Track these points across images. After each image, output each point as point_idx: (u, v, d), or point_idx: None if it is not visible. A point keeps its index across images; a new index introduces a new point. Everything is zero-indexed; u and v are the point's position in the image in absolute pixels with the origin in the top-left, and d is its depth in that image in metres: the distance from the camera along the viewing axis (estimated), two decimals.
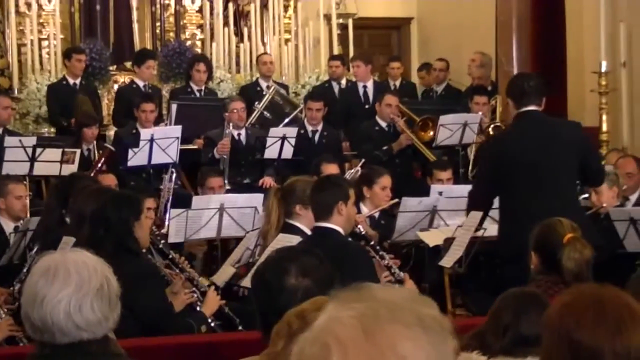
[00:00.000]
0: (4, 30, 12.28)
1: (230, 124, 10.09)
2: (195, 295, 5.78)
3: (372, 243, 6.17)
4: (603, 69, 11.05)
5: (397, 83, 12.87)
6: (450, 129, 10.25)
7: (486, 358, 3.49)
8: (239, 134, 10.24)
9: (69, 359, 2.81)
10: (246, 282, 5.95)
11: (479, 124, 10.41)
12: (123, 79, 12.55)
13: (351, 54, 13.17)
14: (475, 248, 7.05)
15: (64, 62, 11.67)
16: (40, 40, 12.32)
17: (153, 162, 9.56)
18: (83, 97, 11.05)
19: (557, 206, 5.77)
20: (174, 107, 10.93)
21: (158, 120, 10.72)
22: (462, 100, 11.69)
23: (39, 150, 9.15)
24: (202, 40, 13.23)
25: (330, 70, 12.36)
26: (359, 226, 6.12)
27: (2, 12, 12.29)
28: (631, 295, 2.43)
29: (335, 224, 5.38)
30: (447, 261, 6.98)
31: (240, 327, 5.78)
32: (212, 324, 5.65)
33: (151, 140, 9.51)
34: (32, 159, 9.11)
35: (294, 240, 5.45)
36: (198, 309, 5.70)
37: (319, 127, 10.57)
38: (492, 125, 10.30)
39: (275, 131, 10.26)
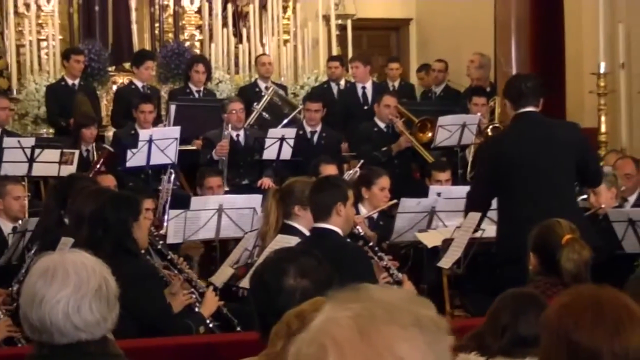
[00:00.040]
0: (3, 31, 12.27)
1: (229, 125, 10.09)
2: (194, 296, 5.78)
3: (370, 244, 6.17)
4: (602, 70, 11.06)
5: (396, 84, 12.87)
6: (449, 129, 10.25)
7: (485, 359, 3.49)
8: (237, 135, 10.24)
9: None
10: (245, 282, 5.95)
11: (477, 125, 10.42)
12: (122, 79, 12.54)
13: (350, 54, 13.17)
14: (473, 249, 7.05)
15: (63, 63, 11.67)
16: (39, 41, 12.31)
17: (152, 162, 9.56)
18: (82, 97, 11.06)
19: (555, 207, 5.77)
20: (172, 107, 10.93)
21: (157, 121, 10.72)
22: (461, 101, 11.70)
23: (37, 151, 9.15)
24: (201, 41, 13.23)
25: (329, 71, 12.36)
26: (358, 227, 6.13)
27: (1, 13, 12.28)
28: (630, 296, 2.43)
29: (333, 225, 5.38)
30: (446, 262, 6.98)
31: (238, 328, 5.78)
32: (211, 325, 5.65)
33: (150, 141, 9.51)
34: (31, 160, 9.11)
35: (292, 241, 5.45)
36: (196, 309, 5.70)
37: (318, 128, 10.57)
38: (490, 126, 10.31)
39: (274, 132, 10.27)
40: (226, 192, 9.02)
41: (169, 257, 5.99)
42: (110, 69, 12.60)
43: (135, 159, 9.54)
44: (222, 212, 7.76)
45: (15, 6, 12.25)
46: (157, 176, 9.46)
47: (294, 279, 3.21)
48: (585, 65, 11.97)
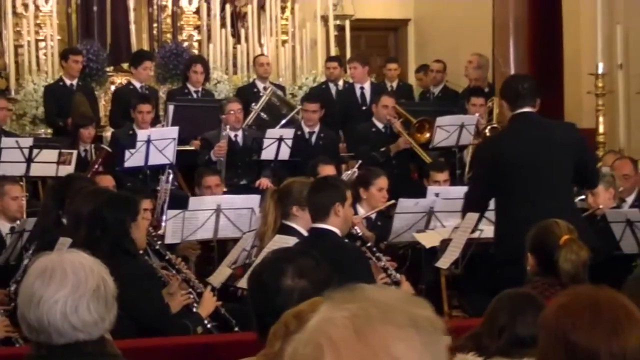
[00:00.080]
0: (1, 31, 12.27)
1: (227, 126, 10.09)
2: (192, 297, 5.78)
3: (368, 244, 6.18)
4: (600, 71, 11.06)
5: (394, 84, 12.87)
6: (447, 130, 10.25)
7: (482, 359, 3.49)
8: (235, 135, 10.24)
9: None
10: (242, 283, 5.95)
11: (475, 126, 10.42)
12: (120, 80, 12.54)
13: (348, 55, 13.18)
14: (471, 249, 7.06)
15: (61, 63, 11.67)
16: (37, 41, 12.31)
17: (150, 163, 9.56)
18: (80, 96, 11.06)
19: (553, 208, 5.77)
20: (170, 108, 10.93)
21: (155, 122, 10.72)
22: (459, 102, 11.71)
23: (35, 151, 9.15)
24: (199, 42, 13.22)
25: (328, 71, 12.36)
26: (356, 227, 6.14)
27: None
28: (627, 296, 2.43)
29: (332, 225, 5.38)
30: (444, 262, 6.98)
31: (236, 329, 5.78)
32: (208, 325, 5.65)
33: (148, 142, 9.50)
34: (29, 160, 9.11)
35: (290, 241, 5.45)
36: (194, 310, 5.70)
37: (316, 129, 10.58)
38: (488, 127, 10.32)
39: (272, 132, 10.27)
40: (224, 193, 9.02)
41: (167, 257, 6.00)
42: (108, 69, 12.59)
43: (133, 159, 9.54)
44: (220, 213, 7.76)
45: (14, 6, 12.25)
46: (155, 176, 9.45)
47: (292, 280, 3.21)
48: (583, 65, 11.97)
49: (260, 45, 13.19)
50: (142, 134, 9.65)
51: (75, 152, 9.43)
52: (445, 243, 7.11)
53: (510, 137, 6.48)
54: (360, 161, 9.83)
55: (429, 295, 6.78)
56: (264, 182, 9.86)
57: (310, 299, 2.90)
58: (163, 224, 7.99)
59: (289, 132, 10.26)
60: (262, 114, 11.27)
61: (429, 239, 7.65)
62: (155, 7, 13.01)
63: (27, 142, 9.37)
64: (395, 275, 6.06)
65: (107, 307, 2.82)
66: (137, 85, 11.45)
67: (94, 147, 10.17)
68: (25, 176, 9.12)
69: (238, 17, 13.40)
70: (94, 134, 10.31)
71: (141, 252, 5.61)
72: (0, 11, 12.25)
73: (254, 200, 7.84)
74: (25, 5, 12.31)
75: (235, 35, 13.26)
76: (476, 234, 6.92)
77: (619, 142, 11.45)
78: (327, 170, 8.49)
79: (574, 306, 2.38)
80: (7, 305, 5.91)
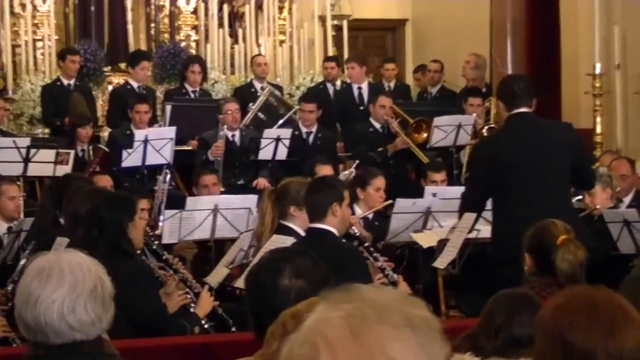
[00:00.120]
0: None
1: (225, 126, 10.09)
2: (189, 297, 5.78)
3: (366, 244, 6.18)
4: (597, 71, 11.07)
5: (392, 84, 12.88)
6: (445, 130, 10.26)
7: (479, 359, 3.49)
8: (233, 135, 10.24)
9: None
10: (240, 283, 5.95)
11: (473, 126, 10.42)
12: (117, 80, 12.53)
13: (346, 55, 13.17)
14: (469, 249, 7.06)
15: (59, 63, 11.67)
16: (34, 41, 12.31)
17: (147, 163, 9.56)
18: (78, 96, 11.06)
19: (550, 208, 5.77)
20: (168, 108, 10.93)
21: (152, 122, 10.72)
22: (457, 102, 11.71)
23: (33, 151, 9.14)
24: (197, 42, 13.22)
25: (325, 71, 12.36)
26: (353, 227, 6.14)
27: None
28: (624, 297, 2.43)
29: (329, 225, 5.38)
30: (441, 262, 6.98)
31: (233, 329, 5.78)
32: (206, 325, 5.65)
33: (145, 141, 9.50)
34: (26, 160, 9.10)
35: (287, 241, 5.45)
36: (192, 310, 5.70)
37: (314, 129, 10.59)
38: (486, 127, 10.31)
39: (270, 132, 10.27)
40: (222, 193, 9.02)
41: (164, 257, 5.99)
42: (105, 69, 12.59)
43: (130, 159, 9.54)
44: (218, 213, 7.76)
45: (11, 6, 12.25)
46: (153, 176, 9.45)
47: (289, 279, 3.21)
48: (581, 66, 11.98)
49: (258, 45, 13.19)
50: (139, 134, 9.65)
51: (72, 152, 9.42)
52: (443, 243, 7.11)
53: (507, 137, 6.48)
54: (357, 161, 9.82)
55: (426, 295, 6.80)
56: (262, 182, 9.86)
57: (307, 299, 2.90)
58: (160, 224, 7.98)
59: (286, 132, 10.26)
60: (259, 114, 11.27)
61: (426, 239, 7.65)
62: (152, 7, 13.01)
63: (25, 142, 9.35)
64: (392, 275, 6.06)
65: (104, 307, 2.82)
66: (135, 85, 11.45)
67: (92, 147, 10.16)
68: (23, 176, 9.12)
69: (236, 17, 13.40)
70: (91, 133, 10.31)
71: (138, 252, 5.61)
72: None
73: (251, 200, 7.84)
74: (23, 5, 12.31)
75: (233, 35, 13.25)
76: (473, 234, 6.92)
77: (616, 143, 11.46)
78: (325, 170, 8.48)
79: (571, 306, 2.38)
80: (5, 305, 5.90)
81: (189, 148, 10.53)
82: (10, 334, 5.42)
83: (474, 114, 10.67)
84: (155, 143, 9.52)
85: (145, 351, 4.66)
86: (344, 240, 5.65)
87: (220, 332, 5.69)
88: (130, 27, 12.86)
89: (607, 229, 7.34)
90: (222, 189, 9.28)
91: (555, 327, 2.36)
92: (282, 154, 10.06)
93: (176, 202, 8.30)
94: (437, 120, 10.29)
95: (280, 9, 13.51)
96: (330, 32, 13.73)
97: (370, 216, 8.20)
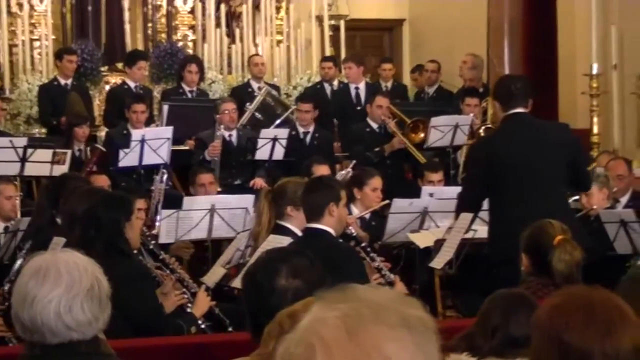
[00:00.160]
0: None
1: (222, 125, 10.09)
2: (186, 296, 5.77)
3: (362, 244, 6.18)
4: (594, 72, 11.07)
5: (389, 84, 12.88)
6: (442, 130, 10.26)
7: (476, 359, 3.49)
8: (230, 135, 10.24)
9: None
10: (236, 283, 5.95)
11: (470, 126, 10.43)
12: (114, 79, 12.52)
13: (343, 55, 13.17)
14: (465, 250, 7.06)
15: (56, 63, 11.66)
16: (31, 40, 12.29)
17: (144, 162, 9.55)
18: (75, 95, 11.05)
19: (547, 208, 5.77)
20: (165, 108, 10.93)
21: (149, 121, 10.72)
22: (454, 102, 11.71)
23: (29, 150, 9.13)
24: (194, 41, 13.22)
25: (322, 71, 12.36)
26: (350, 227, 6.14)
27: None
28: (621, 297, 2.43)
29: (326, 225, 5.39)
30: (438, 262, 6.98)
31: (230, 328, 5.78)
32: (202, 325, 5.65)
33: (142, 141, 9.50)
34: (23, 160, 9.09)
35: (284, 241, 5.45)
36: (188, 310, 5.70)
37: (311, 129, 10.59)
38: (483, 127, 10.32)
39: (267, 132, 10.27)
40: (218, 192, 9.02)
41: (161, 257, 5.99)
42: (102, 68, 12.58)
43: (127, 159, 9.53)
44: (215, 212, 7.76)
45: (8, 6, 12.24)
46: (150, 176, 9.45)
47: (286, 279, 3.21)
48: (578, 66, 11.99)
49: (255, 45, 13.19)
50: (136, 134, 9.65)
51: (69, 151, 9.41)
52: (440, 243, 7.11)
53: (503, 137, 6.48)
54: (354, 161, 9.82)
55: (423, 295, 6.80)
56: (258, 182, 9.86)
57: (304, 298, 2.90)
58: (157, 223, 7.98)
59: (283, 132, 10.27)
60: (256, 113, 11.27)
61: (423, 239, 7.65)
62: (149, 6, 13.00)
63: (21, 141, 9.34)
64: (389, 275, 6.06)
65: (101, 306, 2.82)
66: (132, 84, 11.45)
67: (89, 147, 10.16)
68: (20, 176, 9.11)
69: (233, 17, 13.40)
70: (88, 133, 10.30)
71: (135, 251, 5.61)
72: None
73: (248, 200, 7.85)
74: (20, 5, 12.30)
75: (230, 35, 13.25)
76: (470, 234, 6.92)
77: (613, 143, 11.47)
78: (322, 170, 8.49)
79: (567, 306, 2.38)
80: (1, 305, 5.90)
81: (186, 148, 10.53)
82: (7, 333, 5.42)
83: (471, 114, 10.67)
84: (152, 143, 9.51)
85: (142, 351, 4.65)
86: (340, 240, 5.65)
87: (217, 332, 5.70)
88: (127, 26, 12.85)
89: (603, 229, 7.35)
90: (219, 189, 9.28)
91: (552, 327, 2.36)
92: (279, 154, 10.06)
93: (173, 202, 8.30)
94: (434, 121, 10.30)
95: (278, 8, 13.51)
96: (327, 32, 13.73)
97: (367, 216, 8.20)
